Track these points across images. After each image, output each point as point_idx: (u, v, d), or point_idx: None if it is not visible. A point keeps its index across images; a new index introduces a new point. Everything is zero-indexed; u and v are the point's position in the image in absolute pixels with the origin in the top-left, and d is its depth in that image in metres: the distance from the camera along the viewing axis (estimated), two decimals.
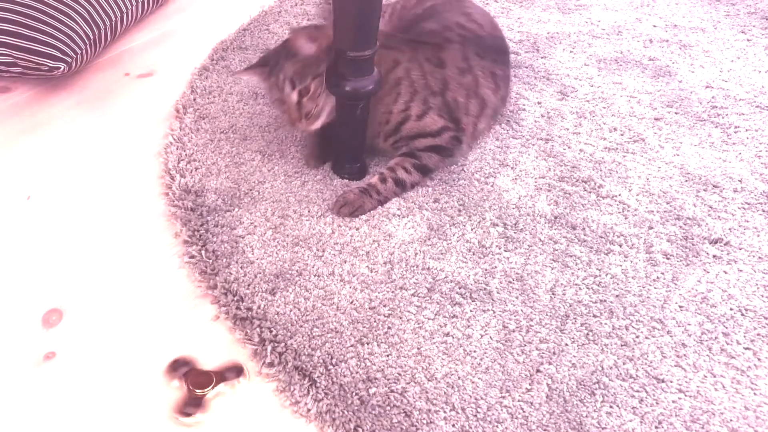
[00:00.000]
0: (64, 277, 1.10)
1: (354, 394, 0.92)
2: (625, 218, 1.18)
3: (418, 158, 1.23)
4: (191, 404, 0.92)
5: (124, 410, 0.93)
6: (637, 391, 0.93)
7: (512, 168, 1.28)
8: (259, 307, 1.03)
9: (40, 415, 0.92)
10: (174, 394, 0.93)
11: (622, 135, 1.37)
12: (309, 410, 0.92)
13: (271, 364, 0.96)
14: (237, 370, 0.96)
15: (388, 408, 0.91)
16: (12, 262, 1.13)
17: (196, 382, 0.94)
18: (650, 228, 1.16)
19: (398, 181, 1.21)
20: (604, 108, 1.44)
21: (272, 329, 1.00)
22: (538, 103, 1.45)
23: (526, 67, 1.56)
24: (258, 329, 1.00)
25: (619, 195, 1.22)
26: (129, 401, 0.94)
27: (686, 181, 1.25)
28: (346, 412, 0.91)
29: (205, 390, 0.93)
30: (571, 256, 1.11)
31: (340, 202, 1.18)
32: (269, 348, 0.98)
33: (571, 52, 1.64)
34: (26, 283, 1.09)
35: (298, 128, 1.23)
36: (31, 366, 0.98)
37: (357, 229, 1.15)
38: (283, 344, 0.98)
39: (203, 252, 1.13)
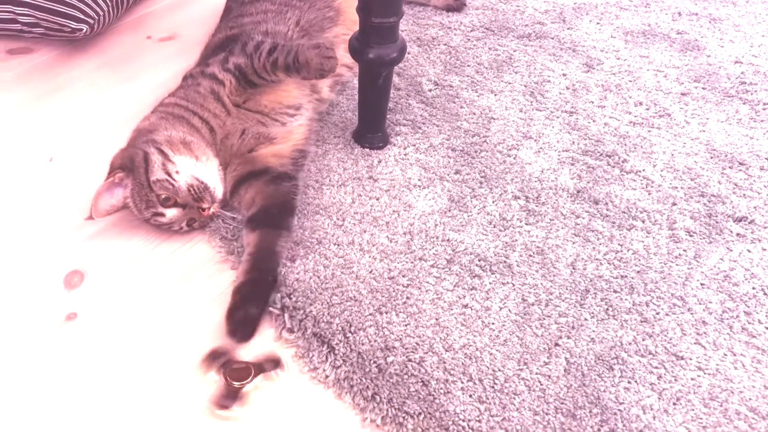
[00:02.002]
0: (86, 238, 1.11)
1: (372, 362, 0.93)
2: (649, 194, 1.17)
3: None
4: (229, 396, 0.91)
5: (143, 370, 0.94)
6: (656, 367, 0.92)
7: (535, 140, 1.26)
8: (280, 274, 1.03)
9: (61, 374, 0.93)
10: (204, 379, 0.92)
11: (647, 109, 1.35)
12: (327, 377, 0.93)
13: (290, 330, 0.97)
14: (275, 362, 0.93)
15: (406, 377, 0.91)
16: (34, 223, 1.14)
17: (234, 374, 0.92)
18: (674, 204, 1.15)
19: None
20: (630, 81, 1.42)
21: (292, 296, 1.00)
22: (563, 75, 1.43)
23: (552, 38, 1.54)
24: (278, 295, 1.00)
25: (643, 170, 1.21)
26: (148, 361, 0.95)
27: (712, 157, 1.24)
28: (364, 380, 0.91)
29: (243, 382, 0.92)
30: (592, 231, 1.10)
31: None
32: (286, 315, 0.98)
33: (597, 23, 1.61)
34: (48, 244, 1.10)
35: (210, 209, 1.07)
36: (53, 326, 0.99)
37: (377, 199, 1.15)
38: (302, 311, 0.99)
39: (221, 219, 1.13)
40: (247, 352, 0.95)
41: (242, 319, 0.95)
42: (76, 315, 1.00)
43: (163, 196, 1.04)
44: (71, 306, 1.01)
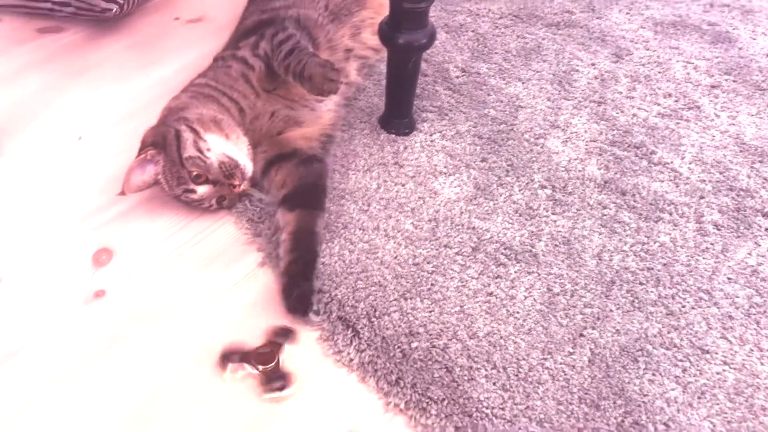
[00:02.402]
0: (114, 217, 1.12)
1: (396, 347, 0.93)
2: (677, 186, 1.16)
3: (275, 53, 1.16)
4: (238, 356, 0.93)
5: (171, 348, 0.95)
6: (681, 360, 0.92)
7: (563, 130, 1.26)
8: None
9: (90, 351, 0.95)
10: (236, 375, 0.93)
11: (676, 101, 1.33)
12: (351, 360, 0.93)
13: (316, 313, 0.98)
14: (283, 382, 0.92)
15: (430, 363, 0.91)
16: (63, 200, 1.15)
17: (260, 360, 0.93)
18: (701, 198, 1.14)
19: (288, 53, 1.12)
20: (660, 73, 1.40)
21: (318, 279, 1.01)
22: (592, 64, 1.42)
23: (581, 27, 1.52)
24: None
25: (671, 162, 1.20)
26: (175, 339, 0.96)
27: (741, 151, 1.22)
28: (388, 364, 0.92)
29: (271, 365, 0.92)
30: (619, 222, 1.09)
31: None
32: (313, 298, 0.99)
33: (627, 13, 1.59)
34: (77, 222, 1.11)
35: (240, 185, 1.09)
36: (82, 303, 1.00)
37: (403, 186, 1.15)
38: (327, 294, 0.99)
39: (248, 202, 1.14)
40: (256, 338, 0.96)
41: (298, 296, 0.97)
42: (104, 292, 1.01)
43: (195, 173, 1.05)
44: (100, 283, 1.03)
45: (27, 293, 1.01)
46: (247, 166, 1.09)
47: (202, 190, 1.07)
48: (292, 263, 0.99)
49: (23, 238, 1.09)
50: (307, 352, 0.94)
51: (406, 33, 1.11)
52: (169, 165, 1.06)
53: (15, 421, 0.87)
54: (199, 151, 1.05)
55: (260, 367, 0.92)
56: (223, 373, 0.92)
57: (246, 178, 1.09)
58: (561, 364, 0.91)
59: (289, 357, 0.94)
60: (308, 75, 1.05)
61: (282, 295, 0.98)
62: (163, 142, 1.07)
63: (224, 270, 1.05)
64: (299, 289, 0.97)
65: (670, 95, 1.35)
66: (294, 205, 1.07)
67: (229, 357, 0.93)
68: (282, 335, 0.96)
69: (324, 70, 1.05)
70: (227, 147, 1.08)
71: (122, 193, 1.06)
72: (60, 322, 0.98)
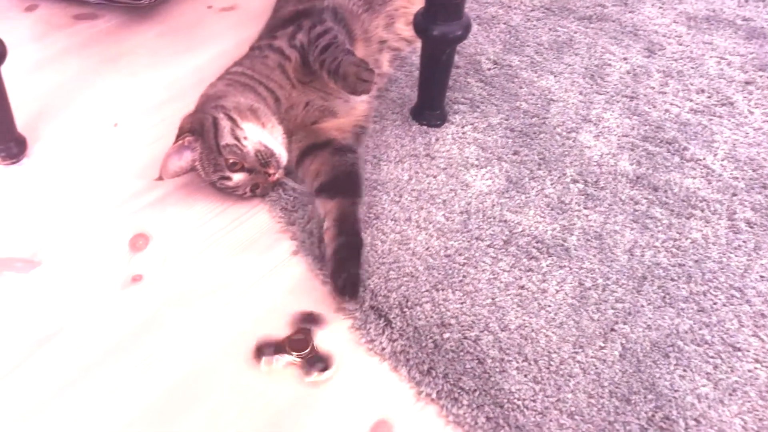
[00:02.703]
0: (151, 203, 1.14)
1: (428, 337, 0.94)
2: (709, 183, 1.15)
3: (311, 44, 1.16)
4: (272, 348, 0.94)
5: (205, 332, 0.97)
6: (712, 357, 0.92)
7: (595, 124, 1.26)
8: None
9: (127, 334, 0.97)
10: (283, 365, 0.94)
11: (709, 97, 1.33)
12: (383, 349, 0.95)
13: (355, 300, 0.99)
14: (324, 364, 0.94)
15: (462, 353, 0.93)
16: (100, 186, 1.17)
17: (295, 347, 0.94)
18: (734, 195, 1.13)
19: (324, 48, 1.11)
20: (693, 68, 1.40)
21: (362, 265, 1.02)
22: (624, 59, 1.41)
23: (613, 21, 1.52)
24: None
25: (704, 159, 1.20)
26: (211, 323, 0.98)
27: None
28: (420, 354, 0.93)
29: (307, 350, 0.94)
30: (651, 218, 1.09)
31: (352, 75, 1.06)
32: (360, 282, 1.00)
33: (660, 7, 1.58)
34: (114, 208, 1.13)
35: (276, 175, 1.10)
36: (119, 288, 1.02)
37: (434, 177, 1.16)
38: (360, 284, 1.00)
39: (282, 191, 1.15)
40: (290, 325, 0.98)
41: (347, 279, 0.98)
42: (141, 277, 1.03)
43: (231, 161, 1.07)
44: (137, 268, 1.05)
45: (66, 277, 1.03)
46: (282, 155, 1.10)
47: (237, 177, 1.08)
48: (340, 248, 1.01)
49: (61, 223, 1.11)
50: (339, 341, 0.96)
51: (442, 24, 1.11)
52: (206, 152, 1.08)
53: (54, 402, 0.89)
54: (236, 139, 1.07)
55: (297, 354, 0.93)
56: (258, 365, 0.93)
57: (281, 166, 1.10)
58: (592, 357, 0.92)
59: (321, 342, 0.95)
60: (342, 73, 1.06)
61: (331, 278, 0.99)
62: (200, 129, 1.08)
63: (258, 257, 1.06)
64: (348, 273, 0.98)
65: (703, 91, 1.34)
66: (333, 193, 1.08)
67: (263, 350, 0.94)
68: (310, 321, 0.97)
69: (358, 70, 1.05)
70: (263, 136, 1.09)
71: (159, 178, 1.08)
72: (98, 305, 1.00)
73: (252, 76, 1.16)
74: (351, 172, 1.12)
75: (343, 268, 0.99)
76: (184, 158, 1.09)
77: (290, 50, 1.17)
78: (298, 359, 0.93)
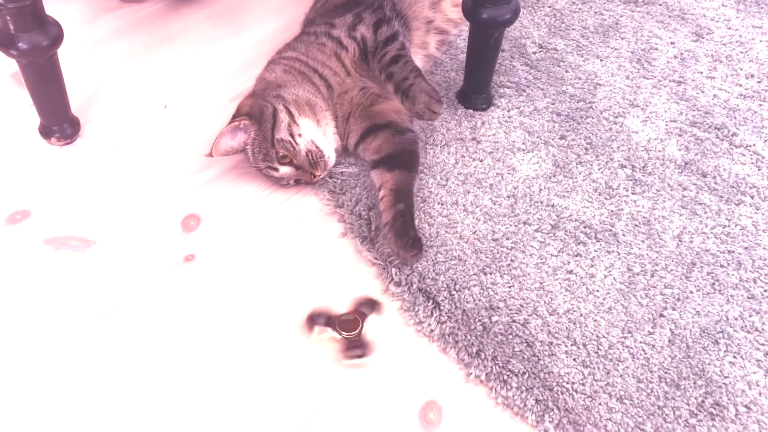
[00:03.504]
0: (202, 184, 1.16)
1: (477, 320, 0.95)
2: (759, 169, 1.14)
3: (378, 43, 1.15)
4: (324, 320, 0.96)
5: (256, 312, 0.99)
6: (763, 344, 0.92)
7: (642, 109, 1.25)
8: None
9: (180, 312, 0.99)
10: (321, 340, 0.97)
11: (759, 83, 1.31)
12: (432, 331, 0.96)
13: (398, 284, 1.00)
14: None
15: (510, 337, 0.94)
16: (152, 167, 1.19)
17: (344, 325, 0.96)
18: None
19: (392, 60, 1.11)
20: (742, 53, 1.38)
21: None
22: (671, 43, 1.40)
23: (660, 5, 1.49)
24: (386, 250, 1.03)
25: (754, 145, 1.18)
26: (262, 303, 1.00)
27: None
28: (468, 336, 0.94)
29: (354, 333, 0.96)
30: (700, 204, 1.09)
31: (420, 106, 1.06)
32: (393, 269, 1.02)
33: None
34: (166, 188, 1.16)
35: (319, 176, 1.12)
36: (172, 267, 1.05)
37: (480, 161, 1.16)
38: (408, 266, 1.01)
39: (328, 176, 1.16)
40: (338, 306, 0.99)
41: (413, 238, 1.01)
42: (193, 257, 1.06)
43: (282, 154, 1.09)
44: (189, 248, 1.07)
45: (120, 256, 1.06)
46: (332, 157, 1.13)
47: (284, 170, 1.11)
48: (401, 213, 1.03)
49: (114, 203, 1.13)
50: (388, 322, 0.97)
51: (491, 8, 1.11)
52: (259, 139, 1.09)
53: (109, 379, 0.92)
54: (291, 136, 1.09)
55: (344, 334, 0.95)
56: (309, 333, 0.96)
57: (328, 168, 1.13)
58: (641, 343, 0.92)
59: (371, 326, 0.97)
60: (412, 97, 1.06)
61: (396, 238, 1.01)
62: (259, 115, 1.10)
63: (307, 239, 1.08)
64: (412, 233, 1.02)
65: (752, 76, 1.32)
66: (393, 166, 1.10)
67: (316, 319, 0.97)
68: (368, 306, 0.99)
69: (429, 100, 1.05)
70: (317, 135, 1.11)
71: (209, 154, 1.10)
72: (151, 285, 1.02)
73: (307, 62, 1.17)
74: (411, 150, 1.14)
75: (407, 228, 1.02)
76: (237, 140, 1.11)
77: (348, 41, 1.17)
78: (342, 338, 0.95)
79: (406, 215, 1.03)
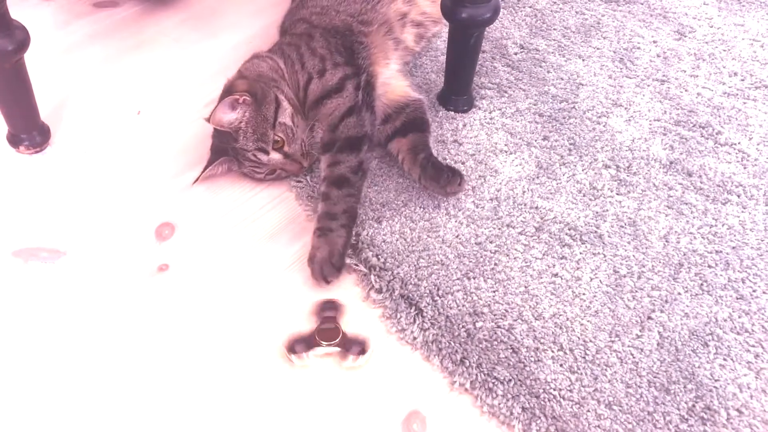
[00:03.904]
0: (176, 192, 1.13)
1: (461, 326, 0.93)
2: (744, 168, 1.13)
3: (338, 137, 1.07)
4: (303, 344, 0.93)
5: (231, 322, 0.96)
6: (753, 345, 0.90)
7: (626, 108, 1.23)
8: (367, 234, 1.03)
9: (154, 323, 0.96)
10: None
11: (742, 80, 1.29)
12: (415, 338, 0.93)
13: (379, 290, 0.97)
14: (361, 346, 0.93)
15: (495, 343, 0.91)
16: (125, 175, 1.16)
17: (325, 336, 0.93)
18: None
19: (338, 179, 1.03)
20: (724, 51, 1.36)
21: (380, 256, 1.00)
22: (654, 42, 1.38)
23: (641, 3, 1.48)
24: (367, 255, 1.00)
25: (739, 143, 1.17)
26: (238, 313, 0.96)
27: None
28: (452, 343, 0.91)
29: (328, 344, 0.92)
30: (686, 204, 1.07)
31: (317, 269, 0.98)
32: (373, 276, 0.99)
33: None
34: (139, 196, 1.12)
35: (306, 167, 1.13)
36: (146, 277, 1.01)
37: (463, 164, 1.14)
38: (390, 272, 0.99)
39: (309, 177, 1.13)
40: (310, 317, 0.96)
41: (449, 171, 1.06)
42: (167, 266, 1.02)
43: (278, 138, 1.08)
44: (163, 257, 1.04)
45: (91, 267, 1.02)
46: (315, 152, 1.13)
47: (274, 156, 1.09)
48: (426, 158, 1.08)
49: (86, 212, 1.10)
50: (370, 331, 0.94)
51: (470, 7, 1.09)
52: (259, 119, 1.07)
53: (82, 392, 0.88)
54: (294, 123, 1.09)
55: (324, 344, 0.92)
56: (291, 362, 0.92)
57: (313, 161, 1.13)
58: (629, 347, 0.90)
59: (348, 329, 0.94)
60: (322, 241, 0.99)
61: (436, 180, 1.06)
62: (261, 97, 1.08)
63: (285, 246, 1.05)
64: (446, 166, 1.07)
65: (735, 74, 1.31)
66: (406, 131, 1.14)
67: (294, 347, 0.93)
68: (331, 308, 0.96)
69: (326, 267, 0.98)
70: (306, 132, 1.12)
71: (207, 119, 1.08)
72: (124, 295, 0.99)
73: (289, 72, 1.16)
74: (420, 117, 1.17)
75: (439, 167, 1.07)
76: (234, 113, 1.07)
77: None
78: (334, 348, 0.91)
79: (431, 158, 1.08)
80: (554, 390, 0.86)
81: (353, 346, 0.92)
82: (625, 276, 0.98)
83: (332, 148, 1.06)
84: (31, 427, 0.85)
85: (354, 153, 1.06)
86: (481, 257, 1.00)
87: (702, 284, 0.97)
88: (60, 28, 1.46)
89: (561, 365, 0.88)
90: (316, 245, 0.99)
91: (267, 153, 1.08)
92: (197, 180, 1.11)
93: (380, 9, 1.25)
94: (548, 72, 1.30)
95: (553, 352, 0.90)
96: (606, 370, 0.88)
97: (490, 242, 1.02)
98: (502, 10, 1.45)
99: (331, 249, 0.98)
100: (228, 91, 1.11)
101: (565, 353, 0.89)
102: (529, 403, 0.85)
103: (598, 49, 1.36)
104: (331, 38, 1.18)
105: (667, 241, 1.02)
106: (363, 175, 1.06)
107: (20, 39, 1.05)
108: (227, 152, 1.10)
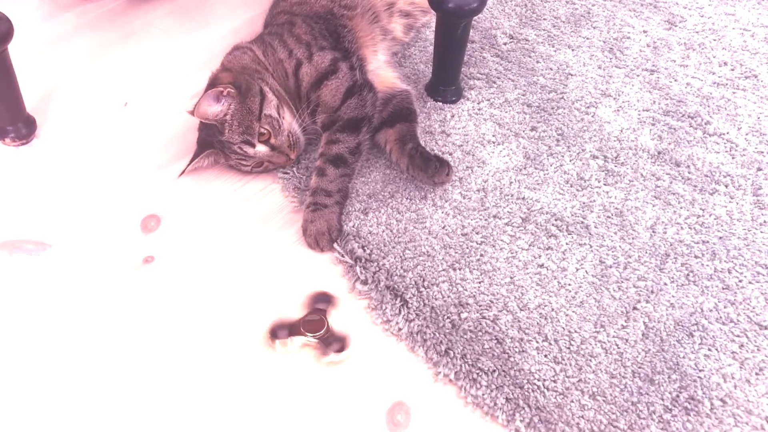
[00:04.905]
0: (162, 184, 1.12)
1: (446, 317, 0.92)
2: (733, 158, 1.12)
3: (339, 117, 1.09)
4: (286, 330, 0.92)
5: (218, 314, 0.95)
6: (738, 336, 0.90)
7: (614, 99, 1.22)
8: (353, 225, 1.03)
9: (140, 315, 0.95)
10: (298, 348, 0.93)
11: (732, 70, 1.29)
12: (400, 329, 0.93)
13: (364, 282, 0.97)
14: (341, 344, 0.92)
15: (480, 334, 0.91)
16: (111, 167, 1.15)
17: (309, 328, 0.92)
18: (759, 169, 1.10)
19: (335, 158, 1.06)
20: (715, 41, 1.36)
21: (366, 248, 1.00)
22: (644, 31, 1.37)
23: None
24: (353, 247, 1.00)
25: (727, 133, 1.16)
26: (224, 305, 0.96)
27: None
28: (437, 334, 0.91)
29: (321, 332, 0.92)
30: (673, 194, 1.06)
31: (311, 241, 1.03)
32: (359, 267, 0.99)
33: None
34: (125, 188, 1.12)
35: (293, 159, 1.12)
36: (131, 269, 1.01)
37: (450, 155, 1.13)
38: (375, 264, 0.98)
39: (295, 168, 1.13)
40: (296, 308, 0.96)
41: (437, 161, 1.05)
42: (153, 258, 1.02)
43: (263, 131, 1.07)
44: (148, 249, 1.03)
45: (77, 259, 1.02)
46: (303, 142, 1.13)
47: (260, 148, 1.08)
48: (414, 148, 1.08)
49: (71, 204, 1.09)
50: (355, 321, 0.94)
51: None
52: (242, 111, 1.06)
53: (68, 383, 0.88)
54: (279, 115, 1.08)
55: (309, 335, 0.92)
56: (272, 347, 0.92)
57: (300, 152, 1.13)
58: (614, 337, 0.90)
59: (336, 323, 0.94)
60: (313, 216, 1.04)
61: (424, 170, 1.05)
62: (246, 89, 1.07)
63: (271, 237, 1.05)
64: (434, 156, 1.06)
65: (725, 64, 1.30)
66: (394, 122, 1.14)
67: (277, 333, 0.92)
68: (324, 301, 0.96)
69: (318, 237, 1.03)
70: (293, 124, 1.11)
71: (191, 112, 1.07)
72: (109, 287, 0.99)
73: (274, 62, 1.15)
74: (407, 108, 1.17)
75: (426, 157, 1.06)
76: (220, 105, 1.06)
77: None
78: (314, 340, 0.91)
79: (419, 148, 1.07)
80: (538, 381, 0.86)
81: (333, 343, 0.91)
82: (611, 266, 0.97)
83: (332, 127, 1.08)
84: (19, 419, 0.85)
85: (354, 134, 1.07)
86: (467, 248, 1.00)
87: (688, 275, 0.97)
88: (46, 20, 1.45)
89: (545, 356, 0.88)
90: (310, 218, 1.03)
91: (253, 145, 1.07)
92: (183, 172, 1.11)
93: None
94: (537, 62, 1.30)
95: (537, 342, 0.89)
96: (590, 360, 0.88)
97: (477, 233, 1.02)
98: None
99: (329, 224, 1.02)
100: (212, 83, 1.10)
101: (550, 344, 0.89)
102: (513, 394, 0.85)
103: (587, 39, 1.35)
104: (313, 24, 1.17)
105: (653, 232, 1.02)
106: (359, 156, 1.08)
107: (3, 30, 1.05)
108: (213, 145, 1.09)
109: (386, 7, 1.26)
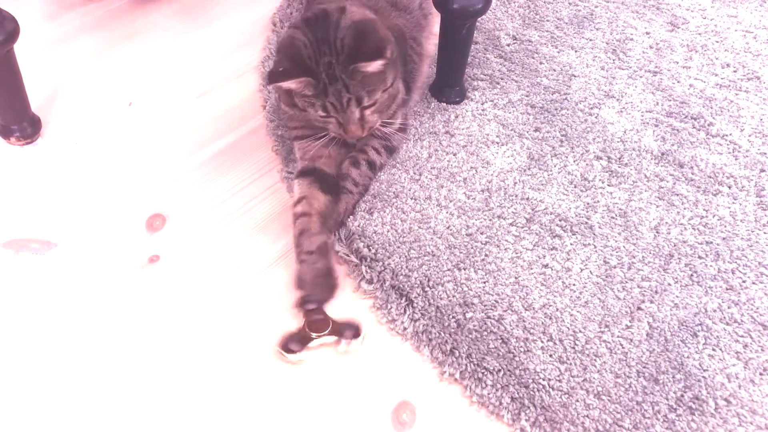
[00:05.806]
0: (167, 183, 1.12)
1: (451, 317, 0.93)
2: (736, 159, 1.13)
3: (388, 139, 1.10)
4: (296, 341, 0.91)
5: (222, 314, 0.96)
6: (742, 336, 0.90)
7: (618, 100, 1.23)
8: (358, 225, 1.03)
9: (145, 314, 0.96)
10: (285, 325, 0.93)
11: (735, 72, 1.29)
12: (405, 329, 0.93)
13: (369, 281, 0.97)
14: (354, 330, 0.92)
15: (485, 333, 0.91)
16: (116, 166, 1.16)
17: (312, 325, 0.92)
18: (762, 171, 1.11)
19: (371, 163, 1.09)
20: (717, 42, 1.36)
21: (371, 247, 1.00)
22: (647, 33, 1.38)
23: None
24: (358, 246, 1.00)
25: (730, 134, 1.17)
26: (228, 304, 0.96)
27: None
28: (442, 334, 0.92)
29: (320, 335, 0.92)
30: (677, 195, 1.07)
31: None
32: (364, 267, 0.99)
33: None
34: (130, 188, 1.12)
35: (349, 137, 1.05)
36: (137, 268, 1.01)
37: (454, 155, 1.14)
38: (381, 263, 0.99)
39: None
40: (334, 310, 0.96)
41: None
42: (158, 257, 1.02)
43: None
44: (154, 249, 1.03)
45: (82, 258, 1.02)
46: None
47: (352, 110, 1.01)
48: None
49: (77, 203, 1.09)
50: (360, 321, 0.94)
51: None
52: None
53: (72, 383, 0.88)
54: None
55: (314, 335, 0.92)
56: (289, 362, 0.91)
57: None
58: (618, 337, 0.90)
59: (340, 318, 0.94)
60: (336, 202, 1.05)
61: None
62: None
63: (275, 238, 1.05)
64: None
65: (728, 65, 1.31)
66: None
67: (288, 347, 0.91)
68: (350, 328, 0.94)
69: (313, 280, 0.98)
70: None
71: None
72: (115, 286, 0.99)
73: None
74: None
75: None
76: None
77: None
78: (330, 338, 0.91)
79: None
80: (543, 380, 0.86)
81: (346, 331, 0.92)
82: (615, 267, 0.98)
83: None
84: (24, 417, 0.85)
85: (389, 155, 1.14)
86: (472, 248, 1.00)
87: (692, 275, 0.97)
88: (50, 20, 1.45)
89: (550, 355, 0.89)
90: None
91: (359, 104, 0.99)
92: (272, 83, 1.02)
93: None
94: (541, 63, 1.30)
95: (542, 342, 0.90)
96: (595, 360, 0.88)
97: (481, 233, 1.02)
98: (495, 0, 1.45)
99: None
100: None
101: (555, 344, 0.90)
102: (518, 393, 0.86)
103: (590, 40, 1.36)
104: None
105: (657, 232, 1.02)
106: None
107: (10, 29, 1.05)
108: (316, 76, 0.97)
109: None
